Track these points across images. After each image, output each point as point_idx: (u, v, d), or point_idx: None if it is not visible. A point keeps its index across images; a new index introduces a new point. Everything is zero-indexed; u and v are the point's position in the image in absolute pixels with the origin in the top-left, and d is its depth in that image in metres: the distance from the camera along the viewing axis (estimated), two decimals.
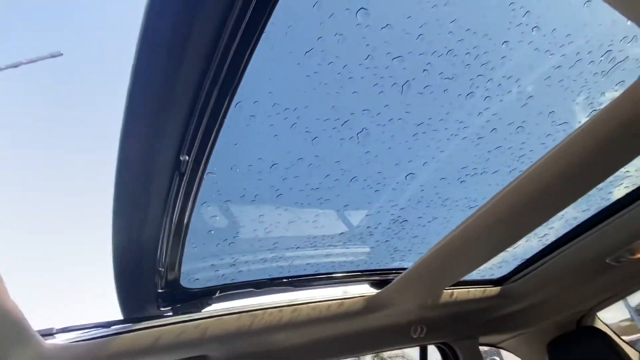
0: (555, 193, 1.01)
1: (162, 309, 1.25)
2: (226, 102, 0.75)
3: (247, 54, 0.68)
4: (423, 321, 1.64)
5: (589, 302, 2.05)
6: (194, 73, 0.68)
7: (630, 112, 0.80)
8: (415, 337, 1.63)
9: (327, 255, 1.40)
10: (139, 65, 0.62)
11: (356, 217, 1.27)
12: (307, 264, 1.42)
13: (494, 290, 1.85)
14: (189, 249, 1.10)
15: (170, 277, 1.16)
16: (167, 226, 0.98)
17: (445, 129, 1.05)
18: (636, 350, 2.23)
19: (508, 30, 0.85)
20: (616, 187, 1.43)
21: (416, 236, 1.47)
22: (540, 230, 1.38)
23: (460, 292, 1.71)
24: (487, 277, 1.86)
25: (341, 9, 0.70)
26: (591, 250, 1.59)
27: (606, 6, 0.74)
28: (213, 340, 1.23)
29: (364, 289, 1.61)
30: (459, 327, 1.84)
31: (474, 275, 1.64)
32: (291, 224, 1.19)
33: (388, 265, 1.59)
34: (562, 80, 1.00)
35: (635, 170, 1.36)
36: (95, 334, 1.12)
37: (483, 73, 0.93)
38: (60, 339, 1.07)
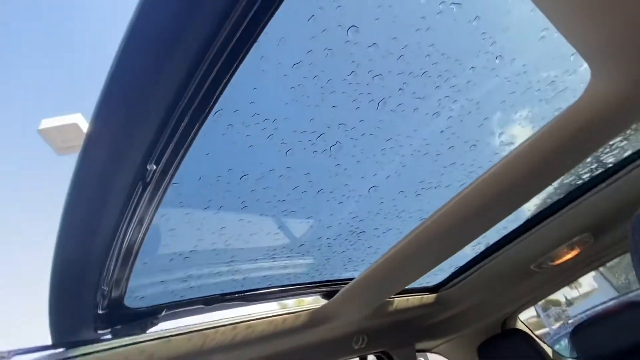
0: (493, 207, 1.11)
1: (100, 331, 1.13)
2: (207, 111, 0.71)
3: (237, 62, 0.66)
4: (365, 331, 1.69)
5: (514, 305, 2.26)
6: (178, 77, 0.63)
7: (563, 135, 0.91)
8: (356, 348, 1.67)
9: (284, 267, 1.39)
10: (121, 63, 0.57)
11: (318, 229, 1.28)
12: (263, 276, 1.39)
13: (430, 297, 1.95)
14: (139, 264, 1.01)
15: (114, 296, 1.06)
16: (120, 240, 0.89)
17: (410, 145, 1.11)
18: (548, 345, 2.52)
19: (476, 57, 0.93)
20: (541, 198, 1.64)
21: (370, 247, 1.52)
22: None
23: (399, 301, 1.76)
24: (424, 284, 1.95)
25: (334, 25, 0.71)
26: (518, 258, 1.75)
27: (555, 43, 0.85)
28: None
29: (315, 301, 1.62)
30: (397, 335, 1.91)
31: (412, 283, 1.76)
32: (252, 236, 1.16)
33: (341, 276, 1.62)
34: (513, 105, 1.12)
35: (557, 184, 1.56)
36: None
37: (450, 95, 1.00)
38: None
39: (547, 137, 0.92)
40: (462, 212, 1.10)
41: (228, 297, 1.34)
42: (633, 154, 1.42)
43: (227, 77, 0.67)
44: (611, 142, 1.38)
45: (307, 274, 1.51)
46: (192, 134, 0.74)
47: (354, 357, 1.77)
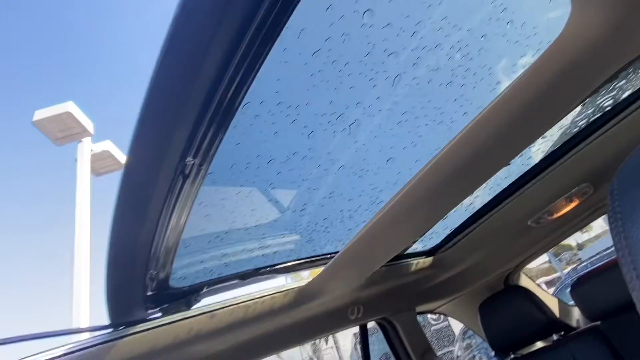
0: (481, 163, 1.01)
1: (150, 311, 1.23)
2: (236, 105, 0.75)
3: (262, 57, 0.69)
4: (360, 301, 1.65)
5: (514, 261, 2.22)
6: (211, 77, 0.67)
7: (546, 77, 0.79)
8: (352, 318, 1.64)
9: (310, 240, 1.46)
10: (161, 66, 0.60)
11: (340, 203, 1.33)
12: (290, 250, 1.46)
13: (427, 261, 1.90)
14: (180, 249, 1.08)
15: (161, 278, 1.14)
16: (163, 229, 0.95)
17: (425, 115, 1.14)
18: (555, 297, 2.53)
19: (487, 25, 0.94)
20: (534, 152, 1.54)
21: None
22: (467, 199, 1.37)
23: (393, 268, 1.74)
24: (420, 249, 1.91)
25: (350, 11, 0.73)
26: (514, 215, 1.70)
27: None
28: (208, 336, 1.25)
29: None
30: (395, 301, 1.88)
31: (407, 249, 1.69)
32: (281, 214, 1.22)
33: None
34: (525, 65, 1.13)
35: (551, 135, 1.44)
36: (70, 348, 1.08)
37: (463, 64, 1.02)
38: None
39: (529, 80, 0.80)
40: (446, 170, 0.99)
41: (261, 270, 1.42)
42: (631, 95, 1.31)
43: (254, 72, 0.71)
44: (609, 84, 1.26)
45: (331, 244, 1.58)
46: (224, 127, 0.78)
47: (352, 327, 1.75)
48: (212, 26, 0.59)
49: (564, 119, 1.25)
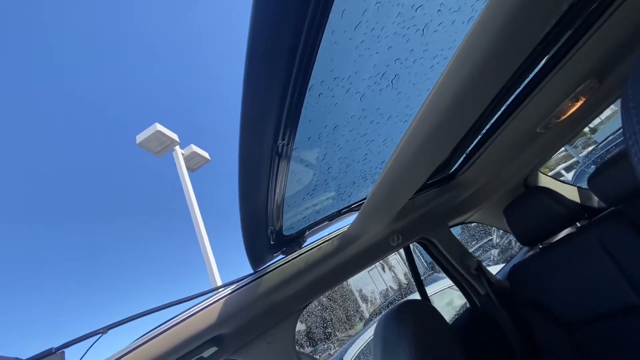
0: (480, 86, 0.74)
1: (275, 254, 1.34)
2: (304, 90, 0.74)
3: (318, 43, 0.66)
4: (397, 230, 1.59)
5: (529, 165, 1.97)
6: (284, 74, 0.66)
7: None
8: (394, 245, 1.58)
9: (374, 182, 1.46)
10: (249, 74, 0.60)
11: (393, 148, 1.30)
12: (360, 192, 1.48)
13: (449, 185, 1.74)
14: (285, 207, 1.15)
15: (277, 230, 1.23)
16: (272, 196, 1.01)
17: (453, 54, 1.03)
18: (573, 185, 2.22)
19: None
20: (530, 60, 1.22)
21: None
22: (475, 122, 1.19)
23: (420, 197, 1.62)
24: (440, 177, 1.71)
25: None
26: (522, 126, 1.44)
27: None
28: (319, 263, 1.34)
29: None
30: (428, 223, 1.77)
31: (429, 179, 1.55)
32: (349, 167, 1.23)
33: None
34: None
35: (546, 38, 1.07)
36: (233, 288, 1.22)
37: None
38: None
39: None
40: (446, 101, 0.77)
41: (343, 210, 1.47)
42: None
43: (313, 58, 0.68)
44: None
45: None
46: (299, 111, 0.78)
47: (396, 251, 1.69)
48: (279, 31, 0.56)
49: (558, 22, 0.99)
